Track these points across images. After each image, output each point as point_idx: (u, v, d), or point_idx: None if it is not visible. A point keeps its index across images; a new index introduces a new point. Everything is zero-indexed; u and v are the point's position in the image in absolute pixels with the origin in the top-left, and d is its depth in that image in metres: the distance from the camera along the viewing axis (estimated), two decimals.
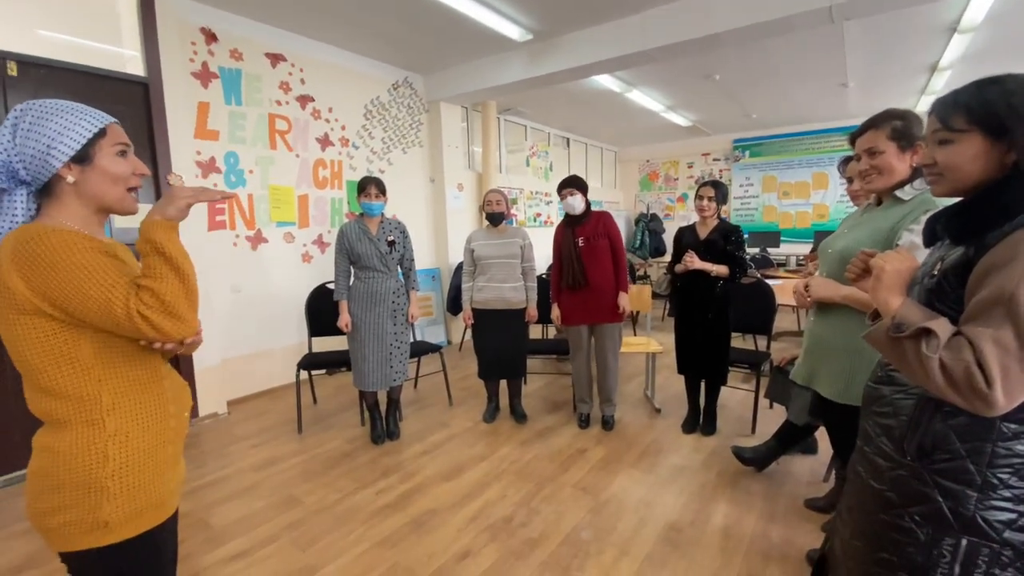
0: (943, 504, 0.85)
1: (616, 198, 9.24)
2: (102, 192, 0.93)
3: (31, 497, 0.91)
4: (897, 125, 1.45)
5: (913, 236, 1.38)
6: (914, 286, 0.92)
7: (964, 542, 0.83)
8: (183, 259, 0.88)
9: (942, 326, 0.78)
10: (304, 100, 4.06)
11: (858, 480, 1.01)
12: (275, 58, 3.85)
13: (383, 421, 3.04)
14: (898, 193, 1.49)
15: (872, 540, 0.95)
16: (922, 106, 6.21)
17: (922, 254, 1.01)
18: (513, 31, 3.86)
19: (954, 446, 0.84)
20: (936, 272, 0.87)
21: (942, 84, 5.43)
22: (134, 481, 0.92)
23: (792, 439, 2.42)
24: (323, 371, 4.20)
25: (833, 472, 2.30)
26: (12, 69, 2.49)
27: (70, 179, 0.89)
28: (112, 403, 0.90)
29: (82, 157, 0.90)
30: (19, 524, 2.19)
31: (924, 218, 1.35)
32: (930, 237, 0.96)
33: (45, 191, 0.91)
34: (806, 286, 1.69)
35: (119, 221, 2.70)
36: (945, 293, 0.85)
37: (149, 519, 0.95)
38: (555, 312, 3.06)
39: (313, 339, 3.32)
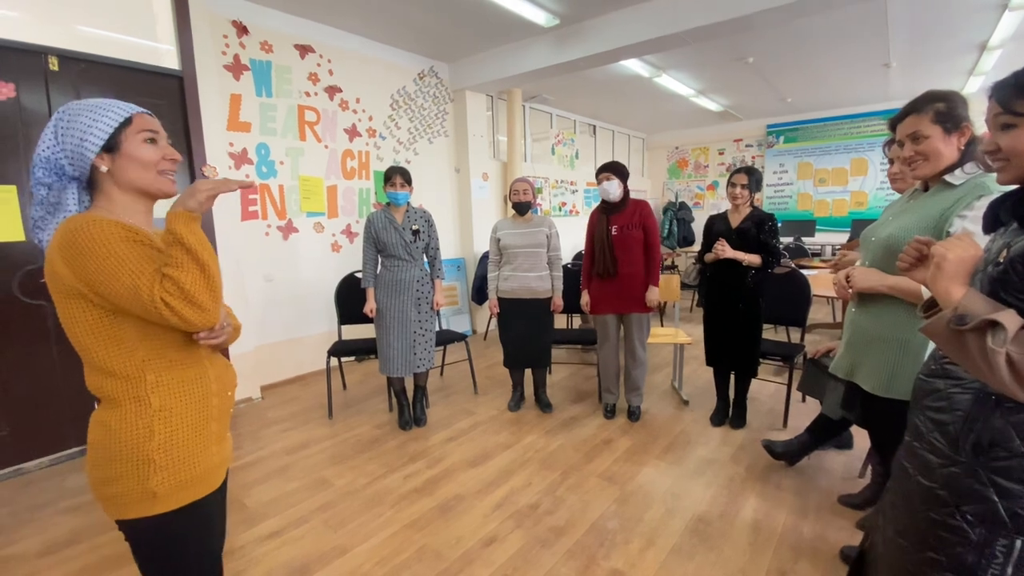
0: (999, 503, 0.81)
1: (644, 186, 9.09)
2: (134, 177, 0.98)
3: (90, 468, 0.98)
4: (940, 107, 1.38)
5: (966, 222, 1.30)
6: (975, 275, 0.87)
7: (1019, 543, 0.80)
8: (203, 249, 0.91)
9: (1010, 318, 0.73)
10: (332, 91, 4.10)
11: (905, 476, 0.97)
12: (304, 49, 3.89)
13: (410, 408, 3.08)
14: (947, 178, 1.41)
15: (918, 539, 0.91)
16: (970, 87, 5.88)
17: (977, 239, 0.95)
18: (539, 16, 3.81)
19: (1013, 443, 0.80)
20: (1002, 260, 0.82)
21: (992, 64, 5.13)
22: (179, 455, 0.97)
23: (826, 434, 2.35)
24: (352, 358, 4.28)
25: (869, 468, 2.23)
26: (54, 64, 2.58)
27: (103, 168, 0.96)
28: (155, 381, 0.96)
29: (110, 146, 0.95)
30: (65, 501, 2.31)
31: (977, 203, 1.29)
32: (992, 222, 0.91)
33: (92, 185, 0.98)
34: (847, 276, 1.63)
35: (160, 212, 2.79)
36: (1012, 282, 0.79)
37: (195, 491, 1.01)
38: (584, 298, 3.04)
39: (343, 327, 3.39)
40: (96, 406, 0.99)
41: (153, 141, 1.00)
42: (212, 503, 1.06)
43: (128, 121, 0.97)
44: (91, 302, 0.90)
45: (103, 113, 0.95)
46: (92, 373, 0.96)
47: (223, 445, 1.10)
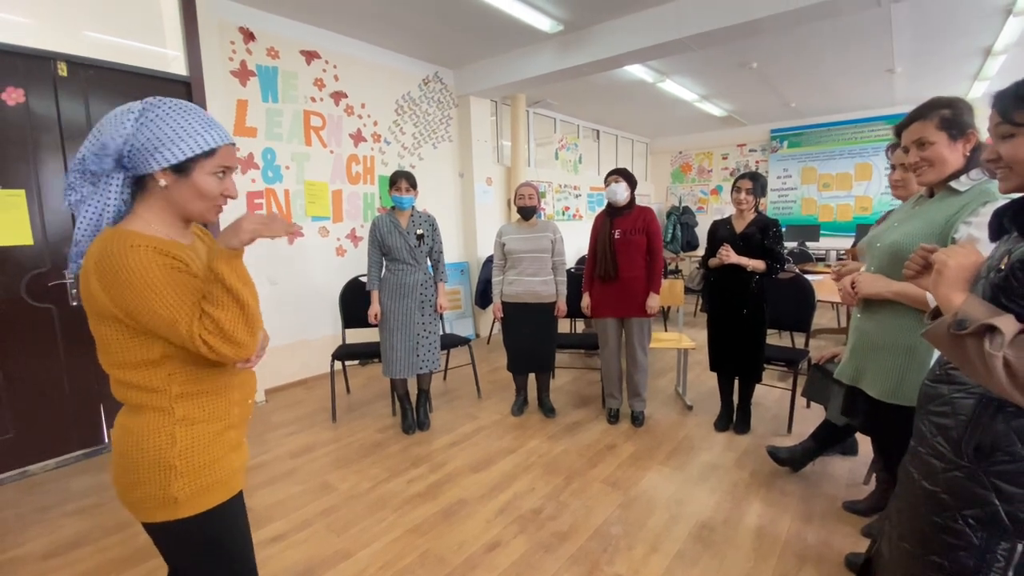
0: (1000, 507, 0.81)
1: (647, 191, 9.10)
2: (186, 203, 0.96)
3: (115, 473, 0.99)
4: (946, 114, 1.38)
5: (971, 229, 1.30)
6: (978, 281, 0.87)
7: (1020, 547, 0.80)
8: (243, 287, 0.91)
9: (1008, 323, 0.74)
10: (337, 96, 4.13)
11: (909, 481, 0.98)
12: (310, 55, 3.92)
13: (414, 412, 3.09)
14: (953, 184, 1.41)
15: (922, 543, 0.91)
16: (974, 92, 5.88)
17: (983, 247, 0.96)
18: (544, 22, 3.83)
19: (1015, 448, 0.80)
20: (1003, 267, 0.83)
21: (996, 69, 5.12)
22: (200, 461, 0.98)
23: (830, 439, 2.34)
24: (356, 362, 4.29)
25: (874, 475, 2.22)
26: (63, 70, 2.61)
27: (162, 183, 0.93)
28: (180, 393, 0.97)
29: (181, 168, 0.93)
30: (70, 504, 2.32)
31: (983, 210, 1.29)
32: (997, 231, 0.91)
33: (139, 183, 0.96)
34: (853, 283, 1.62)
35: None
36: (1012, 288, 0.80)
37: (216, 495, 1.01)
38: (585, 301, 3.05)
39: (347, 330, 3.40)
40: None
41: (223, 176, 0.98)
42: (235, 507, 1.07)
43: (212, 152, 0.95)
44: (123, 324, 0.91)
45: (193, 132, 0.92)
46: (118, 384, 0.97)
47: (241, 451, 1.10)
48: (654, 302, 2.89)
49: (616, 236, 2.89)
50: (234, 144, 1.00)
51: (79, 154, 0.92)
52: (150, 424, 0.95)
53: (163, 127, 0.90)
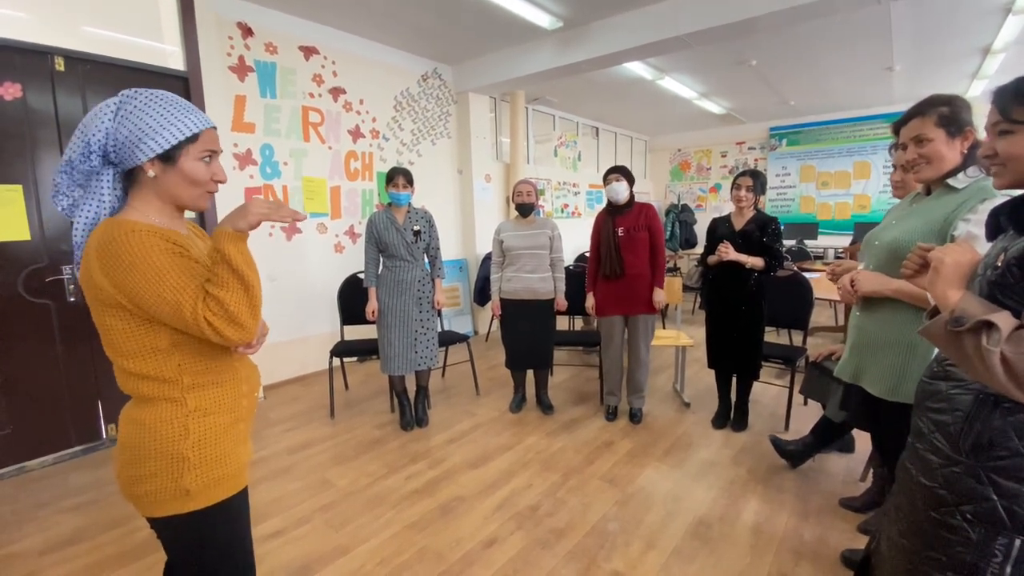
0: (998, 502, 0.82)
1: (646, 188, 9.10)
2: (177, 191, 0.97)
3: (121, 466, 0.98)
4: (944, 111, 1.38)
5: (970, 226, 1.30)
6: (975, 279, 0.88)
7: (1018, 542, 0.81)
8: (248, 270, 0.91)
9: (1004, 319, 0.74)
10: (336, 92, 4.12)
11: (908, 477, 0.98)
12: (308, 51, 3.91)
13: (412, 408, 3.09)
14: (950, 181, 1.42)
15: (920, 538, 0.92)
16: (973, 91, 5.89)
17: (981, 243, 0.96)
18: (543, 19, 3.82)
19: (1012, 443, 0.81)
20: (999, 264, 0.83)
21: (995, 68, 5.13)
22: (212, 453, 0.98)
23: (828, 436, 2.35)
24: (354, 358, 4.28)
25: (871, 471, 2.23)
26: (60, 64, 2.60)
27: (151, 174, 0.93)
28: (192, 383, 0.97)
29: (167, 157, 0.93)
30: (67, 500, 2.32)
31: (981, 207, 1.30)
32: (994, 229, 0.92)
33: (129, 176, 0.96)
34: (852, 280, 1.62)
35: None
36: (1009, 285, 0.80)
37: (226, 488, 1.02)
38: (590, 301, 3.05)
39: (345, 327, 3.40)
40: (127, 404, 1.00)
41: (209, 160, 0.98)
42: (241, 500, 1.07)
43: (194, 138, 0.95)
44: (128, 311, 0.90)
45: (174, 119, 0.92)
46: (126, 376, 0.96)
47: (247, 446, 1.11)
48: (660, 296, 2.91)
49: (620, 234, 2.89)
50: (215, 128, 1.00)
51: (65, 156, 0.92)
52: (163, 415, 0.95)
53: (143, 118, 0.90)
